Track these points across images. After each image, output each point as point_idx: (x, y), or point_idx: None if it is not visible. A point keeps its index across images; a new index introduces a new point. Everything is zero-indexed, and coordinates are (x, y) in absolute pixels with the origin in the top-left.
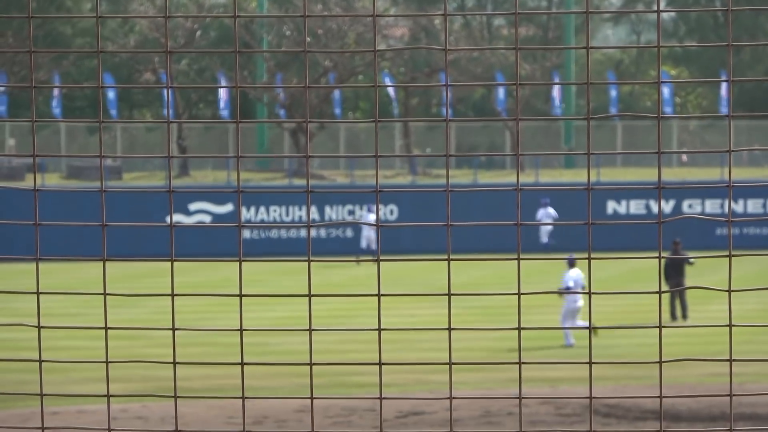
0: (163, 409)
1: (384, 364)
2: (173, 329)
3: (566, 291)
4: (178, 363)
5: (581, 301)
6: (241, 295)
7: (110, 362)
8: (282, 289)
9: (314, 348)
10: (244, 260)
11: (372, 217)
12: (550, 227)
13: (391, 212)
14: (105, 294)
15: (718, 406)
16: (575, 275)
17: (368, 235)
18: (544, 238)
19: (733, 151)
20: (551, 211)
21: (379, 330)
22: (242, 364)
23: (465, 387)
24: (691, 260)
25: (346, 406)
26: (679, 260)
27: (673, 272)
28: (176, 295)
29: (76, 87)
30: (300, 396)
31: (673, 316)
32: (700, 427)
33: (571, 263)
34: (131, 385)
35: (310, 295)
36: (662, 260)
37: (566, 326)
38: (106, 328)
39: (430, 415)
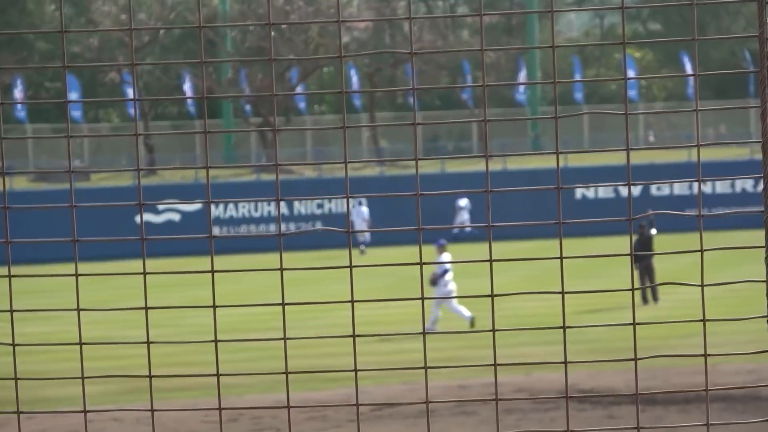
0: (138, 411)
1: (360, 370)
2: (147, 342)
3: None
4: (153, 376)
5: (453, 284)
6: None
7: (86, 377)
8: (256, 285)
9: (288, 344)
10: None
11: (365, 210)
12: (466, 217)
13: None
14: (78, 310)
15: (692, 389)
16: (447, 259)
17: (362, 226)
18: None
19: (702, 145)
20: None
21: (354, 336)
22: (216, 353)
23: (439, 377)
24: (653, 232)
25: (320, 399)
26: (647, 242)
27: (642, 255)
28: (149, 308)
29: (44, 102)
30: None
31: (644, 300)
32: (675, 410)
33: (441, 247)
34: (109, 387)
35: (283, 304)
36: (633, 245)
37: (438, 312)
38: (81, 344)
39: (406, 406)
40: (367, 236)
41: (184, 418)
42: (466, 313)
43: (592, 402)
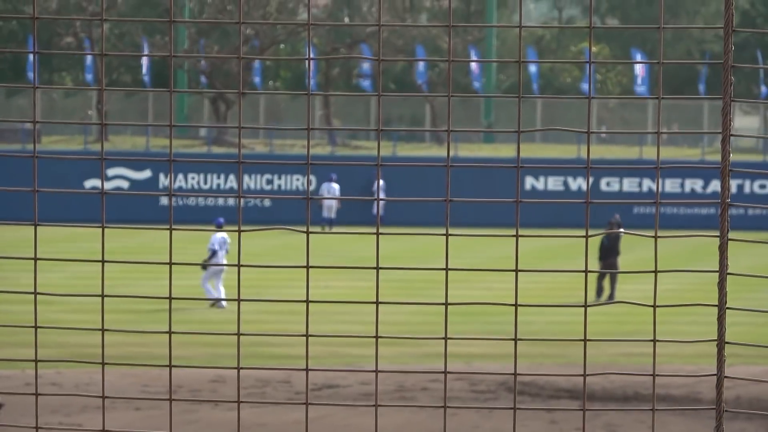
0: (76, 376)
1: (311, 335)
2: (102, 295)
3: (214, 262)
4: (106, 330)
5: (225, 260)
6: (172, 263)
7: (39, 327)
8: (199, 257)
9: (228, 318)
10: (243, 230)
11: (335, 186)
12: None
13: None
14: (36, 258)
15: (631, 386)
16: (221, 237)
17: (329, 205)
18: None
19: (661, 133)
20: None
21: (307, 302)
22: (170, 333)
23: (381, 360)
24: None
25: (260, 377)
26: (615, 241)
27: (609, 253)
28: (106, 261)
29: (8, 51)
30: (221, 366)
31: (598, 294)
32: (614, 407)
33: (219, 225)
34: (47, 351)
35: (239, 265)
36: (601, 241)
37: (207, 286)
38: (36, 293)
39: (345, 388)
40: (334, 213)
41: (124, 387)
42: (217, 294)
43: (531, 394)
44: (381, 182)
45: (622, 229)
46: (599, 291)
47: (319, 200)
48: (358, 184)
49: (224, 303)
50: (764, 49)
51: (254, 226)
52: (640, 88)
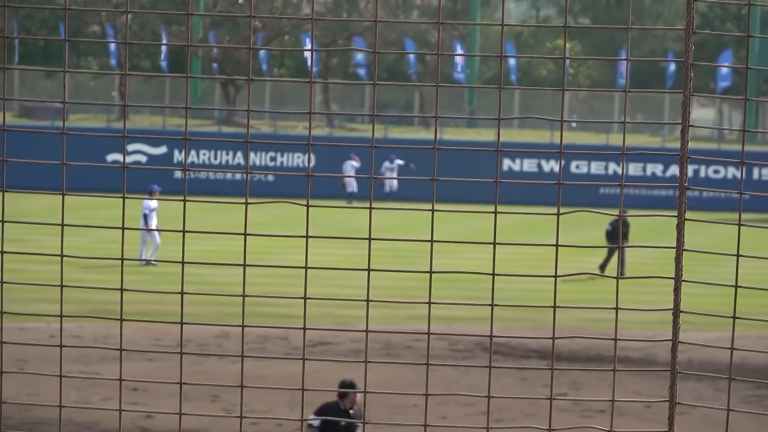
0: (96, 330)
1: (308, 297)
2: (122, 258)
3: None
4: (124, 289)
5: (154, 223)
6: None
7: (64, 286)
8: (207, 226)
9: (232, 281)
10: (250, 203)
11: (355, 164)
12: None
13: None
14: (63, 225)
15: (594, 348)
16: (153, 204)
17: (350, 181)
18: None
19: (627, 122)
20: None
21: (306, 268)
22: (182, 293)
23: (371, 321)
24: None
25: (261, 334)
26: (623, 228)
27: (616, 237)
28: (126, 228)
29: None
30: (227, 323)
31: (603, 268)
32: (578, 367)
33: (150, 192)
34: (69, 307)
35: (245, 234)
36: (610, 224)
37: (143, 248)
38: (62, 255)
39: (337, 345)
40: (355, 188)
41: (139, 341)
42: (148, 256)
43: (504, 354)
44: (397, 162)
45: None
46: (603, 265)
47: (320, 176)
48: (368, 162)
49: (153, 261)
50: (721, 48)
51: (259, 199)
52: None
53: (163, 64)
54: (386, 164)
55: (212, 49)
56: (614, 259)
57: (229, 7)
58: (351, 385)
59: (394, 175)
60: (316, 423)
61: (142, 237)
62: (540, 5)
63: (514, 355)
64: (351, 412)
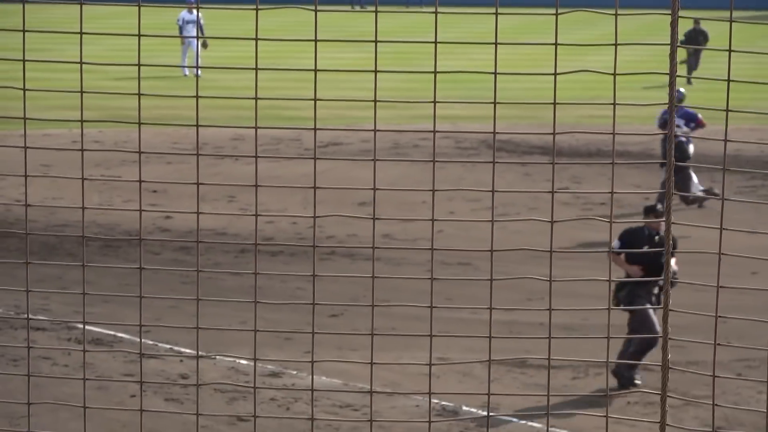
0: (115, 135)
1: (318, 99)
2: (138, 65)
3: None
4: (142, 94)
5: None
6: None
7: (84, 92)
8: (221, 33)
9: (245, 85)
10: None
11: None
12: None
13: None
14: (81, 33)
15: (594, 144)
16: (189, 16)
17: None
18: None
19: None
20: None
21: (315, 70)
22: (197, 97)
23: (379, 121)
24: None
25: (274, 135)
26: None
27: (694, 41)
28: (142, 35)
29: None
30: (241, 125)
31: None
32: (579, 161)
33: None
34: (90, 113)
35: (256, 39)
36: (685, 34)
37: (184, 59)
38: (81, 63)
39: (347, 145)
40: None
41: (157, 144)
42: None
43: (508, 150)
44: None
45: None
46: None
47: None
48: None
49: (194, 71)
50: None
51: (269, 5)
52: None
53: None
54: None
55: None
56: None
57: None
58: (653, 210)
59: None
60: (615, 244)
61: (182, 50)
62: None
63: (517, 152)
64: (656, 238)
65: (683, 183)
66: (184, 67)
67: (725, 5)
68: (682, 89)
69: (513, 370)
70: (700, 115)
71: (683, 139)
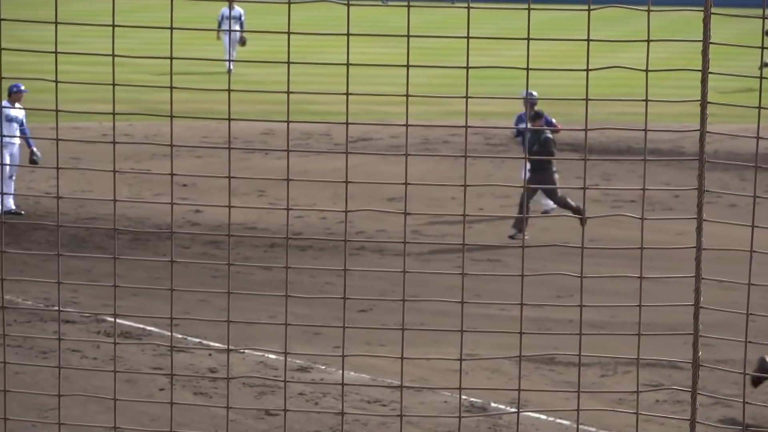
0: (146, 128)
1: (350, 94)
2: (171, 57)
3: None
4: (173, 87)
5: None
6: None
7: (116, 85)
8: (252, 27)
9: (276, 80)
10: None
11: None
12: None
13: None
14: (114, 25)
15: (624, 141)
16: (224, 10)
17: None
18: None
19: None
20: None
21: (348, 65)
22: (228, 90)
23: (410, 117)
24: None
25: (304, 130)
26: None
27: None
28: (175, 28)
29: None
30: (273, 120)
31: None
32: (610, 158)
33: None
34: (120, 106)
35: (288, 33)
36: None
37: (227, 54)
38: (113, 56)
39: (377, 141)
40: None
41: (188, 138)
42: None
43: None
44: None
45: None
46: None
47: None
48: None
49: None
50: None
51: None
52: None
53: None
54: None
55: None
56: None
57: None
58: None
59: None
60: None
61: (225, 47)
62: None
63: None
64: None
65: (546, 182)
66: (228, 61)
67: (758, 3)
68: (534, 92)
69: (541, 366)
70: (554, 120)
71: (550, 135)
